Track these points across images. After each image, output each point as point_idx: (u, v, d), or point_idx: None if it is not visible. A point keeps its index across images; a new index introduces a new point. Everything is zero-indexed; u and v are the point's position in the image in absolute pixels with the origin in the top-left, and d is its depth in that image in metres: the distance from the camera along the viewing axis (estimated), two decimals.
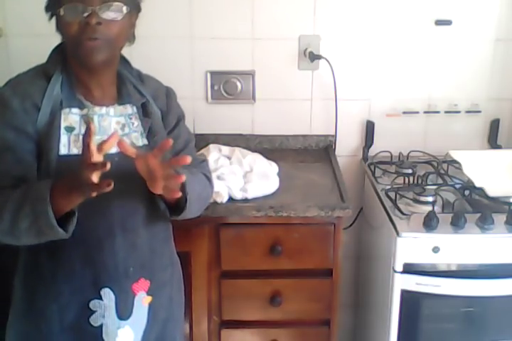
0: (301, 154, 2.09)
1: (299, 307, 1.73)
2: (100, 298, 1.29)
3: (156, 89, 1.43)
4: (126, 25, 1.28)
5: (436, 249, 1.60)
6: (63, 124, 1.27)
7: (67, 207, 1.17)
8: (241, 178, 1.73)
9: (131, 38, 1.35)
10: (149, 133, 1.36)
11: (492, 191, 1.76)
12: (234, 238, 1.68)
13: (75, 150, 1.26)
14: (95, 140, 1.16)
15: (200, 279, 1.71)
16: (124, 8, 1.25)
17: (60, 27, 1.27)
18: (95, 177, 1.08)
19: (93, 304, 1.29)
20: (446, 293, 1.63)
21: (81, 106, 1.30)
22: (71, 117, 1.28)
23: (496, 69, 2.08)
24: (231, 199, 1.67)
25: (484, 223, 1.62)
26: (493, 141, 2.13)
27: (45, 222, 1.14)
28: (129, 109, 1.35)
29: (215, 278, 1.72)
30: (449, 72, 2.08)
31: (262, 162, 1.85)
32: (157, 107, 1.40)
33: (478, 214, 1.65)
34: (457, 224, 1.62)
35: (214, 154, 1.84)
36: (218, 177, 1.70)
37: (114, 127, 1.32)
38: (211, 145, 1.92)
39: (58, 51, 1.33)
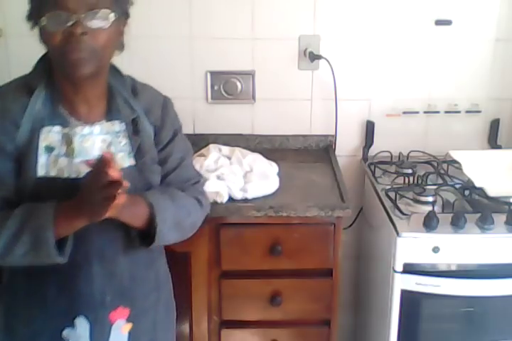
0: (301, 154, 2.09)
1: (299, 307, 1.73)
2: (74, 327, 1.24)
3: (150, 102, 1.33)
4: (113, 34, 1.20)
5: (436, 249, 1.60)
6: (43, 143, 1.20)
7: (68, 232, 1.15)
8: (241, 178, 1.73)
9: (120, 46, 1.27)
10: (138, 152, 1.27)
11: (492, 191, 1.76)
12: (234, 238, 1.68)
13: (54, 172, 1.20)
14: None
15: (200, 279, 1.71)
16: (111, 16, 1.16)
17: (43, 37, 1.17)
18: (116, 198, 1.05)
19: (66, 333, 1.25)
20: (446, 293, 1.63)
21: (64, 124, 1.22)
22: (52, 136, 1.21)
23: (496, 69, 2.08)
24: (231, 199, 1.67)
25: (484, 223, 1.62)
26: (493, 141, 2.13)
27: (46, 251, 1.12)
28: (117, 126, 1.26)
29: (215, 278, 1.72)
30: (449, 72, 2.08)
31: (262, 162, 1.85)
32: (150, 122, 1.31)
33: (478, 214, 1.65)
34: (457, 224, 1.62)
35: (214, 154, 1.84)
36: (218, 177, 1.70)
37: (100, 146, 1.24)
38: (211, 145, 1.92)
39: (43, 61, 1.25)
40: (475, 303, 1.66)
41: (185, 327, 1.76)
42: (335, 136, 2.10)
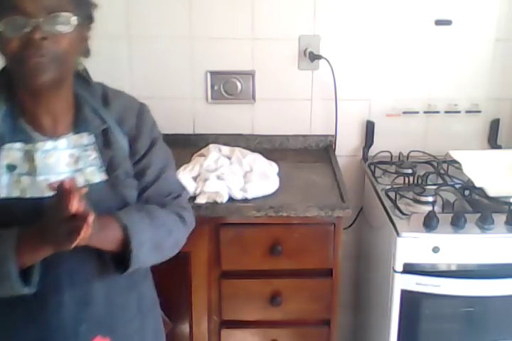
0: (301, 154, 2.09)
1: (299, 307, 1.73)
2: None
3: (123, 110, 1.24)
4: (76, 39, 1.11)
5: (436, 249, 1.60)
6: (4, 162, 1.12)
7: (33, 261, 1.06)
8: (241, 178, 1.73)
9: (84, 53, 1.19)
10: (109, 166, 1.18)
11: (492, 191, 1.76)
12: (234, 238, 1.68)
13: (17, 193, 1.11)
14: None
15: (200, 279, 1.71)
16: (74, 20, 1.08)
17: (0, 45, 1.08)
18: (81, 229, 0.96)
19: None
20: (446, 293, 1.63)
21: (26, 140, 1.13)
22: (13, 154, 1.12)
23: (496, 69, 2.08)
24: (231, 199, 1.67)
25: (484, 223, 1.62)
26: (493, 141, 2.13)
27: (9, 284, 1.04)
28: (86, 138, 1.17)
29: (215, 278, 1.72)
30: (449, 72, 2.08)
31: (262, 162, 1.85)
32: (124, 132, 1.22)
33: (478, 214, 1.65)
34: (457, 224, 1.62)
35: (214, 154, 1.84)
36: (218, 177, 1.70)
37: (67, 162, 1.15)
38: (211, 145, 1.92)
39: (2, 74, 1.16)
40: (475, 303, 1.66)
41: (185, 327, 1.76)
42: (335, 136, 2.10)
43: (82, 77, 1.22)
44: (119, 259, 1.14)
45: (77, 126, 1.18)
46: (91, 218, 0.97)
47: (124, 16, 1.98)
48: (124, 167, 1.20)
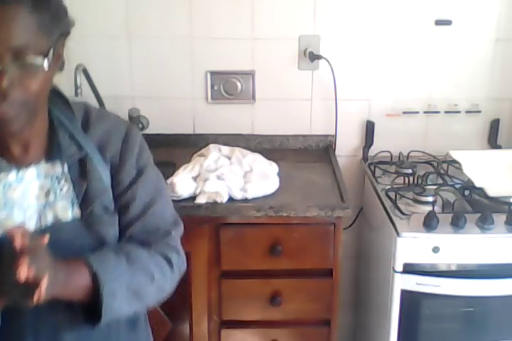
0: (301, 154, 2.09)
1: (299, 307, 1.73)
2: None
3: (107, 134, 1.08)
4: (51, 73, 0.96)
5: (436, 249, 1.60)
6: None
7: None
8: (241, 178, 1.73)
9: (59, 67, 1.02)
10: (84, 200, 1.04)
11: (492, 191, 1.76)
12: (234, 238, 1.68)
13: None
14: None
15: (200, 279, 1.71)
16: (45, 61, 0.91)
17: None
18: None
19: None
20: (446, 293, 1.63)
21: None
22: None
23: (496, 69, 2.08)
24: (231, 199, 1.67)
25: (484, 223, 1.62)
26: (493, 141, 2.13)
27: None
28: (58, 168, 1.04)
29: (215, 278, 1.72)
30: (449, 72, 2.07)
31: (262, 162, 1.85)
32: (106, 159, 1.07)
33: (478, 214, 1.65)
34: (457, 224, 1.62)
35: (214, 154, 1.84)
36: (218, 177, 1.70)
37: (35, 195, 1.02)
38: (211, 145, 1.92)
39: None
40: (475, 303, 1.66)
41: (185, 327, 1.76)
42: (335, 136, 2.10)
43: (60, 97, 1.07)
44: (91, 309, 0.98)
45: (50, 153, 1.04)
46: (44, 283, 0.84)
47: (124, 16, 1.98)
48: (102, 200, 1.05)
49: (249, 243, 1.68)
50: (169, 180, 1.68)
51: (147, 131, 2.06)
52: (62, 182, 1.04)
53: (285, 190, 1.74)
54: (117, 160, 1.08)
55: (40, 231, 0.99)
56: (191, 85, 2.07)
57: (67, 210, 1.03)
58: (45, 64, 0.92)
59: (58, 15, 0.95)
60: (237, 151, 1.88)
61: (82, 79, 1.82)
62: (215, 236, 1.68)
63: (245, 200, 1.67)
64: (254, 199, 1.68)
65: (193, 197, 1.65)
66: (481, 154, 1.99)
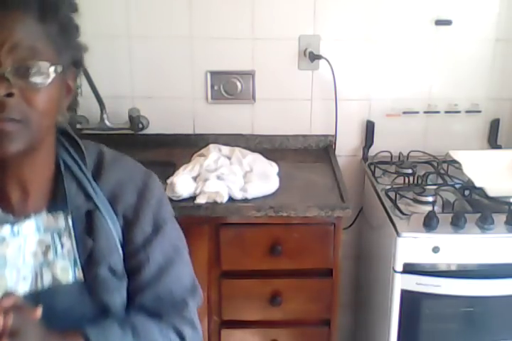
0: (301, 154, 2.09)
1: (299, 307, 1.73)
2: None
3: (121, 183, 0.96)
4: (56, 93, 0.86)
5: (436, 249, 1.60)
6: None
7: None
8: (241, 178, 1.73)
9: (71, 106, 0.93)
10: (88, 260, 0.91)
11: (492, 191, 1.76)
12: (234, 238, 1.68)
13: None
14: None
15: (200, 279, 1.69)
16: (52, 70, 0.83)
17: None
18: None
19: None
20: (446, 293, 1.63)
21: None
22: None
23: (496, 69, 2.08)
24: (231, 199, 1.67)
25: (484, 223, 1.62)
26: (493, 141, 2.13)
27: None
28: (62, 220, 0.91)
29: (215, 278, 1.72)
30: (449, 72, 2.07)
31: (262, 162, 1.85)
32: (118, 212, 0.95)
33: (478, 214, 1.65)
34: (457, 224, 1.62)
35: (214, 154, 1.84)
36: (218, 177, 1.70)
37: (32, 251, 0.90)
38: (211, 145, 1.92)
39: None
40: (475, 303, 1.66)
41: None
42: (335, 136, 2.10)
43: (70, 137, 0.97)
44: None
45: (54, 202, 0.92)
46: None
47: (124, 16, 1.98)
48: (109, 262, 0.92)
49: (249, 243, 1.68)
50: (169, 180, 1.68)
51: (147, 131, 2.07)
52: (65, 238, 0.91)
53: (285, 190, 1.74)
54: (131, 214, 0.95)
55: (35, 295, 0.88)
56: (191, 85, 2.07)
57: (67, 271, 0.91)
58: (52, 75, 0.83)
59: (67, 29, 0.88)
60: (237, 151, 1.88)
61: (82, 79, 1.82)
62: (215, 236, 1.67)
63: (245, 200, 1.67)
64: (254, 199, 1.68)
65: (193, 197, 1.65)
66: (481, 154, 1.99)
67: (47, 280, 0.90)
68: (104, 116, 2.01)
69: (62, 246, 0.91)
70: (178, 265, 0.99)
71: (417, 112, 2.11)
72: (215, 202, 1.64)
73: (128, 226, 0.95)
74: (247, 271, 1.72)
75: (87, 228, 0.92)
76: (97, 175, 0.95)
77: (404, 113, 2.11)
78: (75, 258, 0.91)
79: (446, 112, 2.11)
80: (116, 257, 0.93)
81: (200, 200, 1.63)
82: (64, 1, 0.88)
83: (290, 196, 1.71)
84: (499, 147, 2.13)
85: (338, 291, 1.73)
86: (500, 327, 1.70)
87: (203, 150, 1.90)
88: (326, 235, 1.68)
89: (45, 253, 0.91)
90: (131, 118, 2.01)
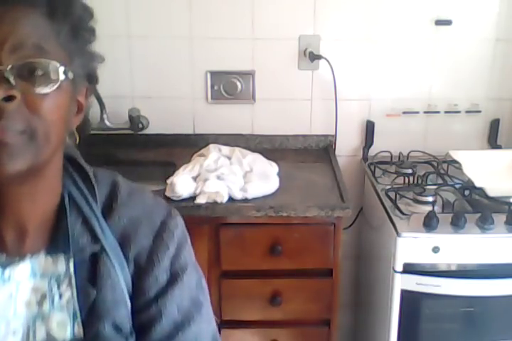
0: (301, 154, 2.09)
1: (299, 307, 1.73)
2: None
3: (135, 222, 0.81)
4: (65, 103, 0.73)
5: (436, 249, 1.60)
6: None
7: None
8: (241, 178, 1.73)
9: (82, 127, 0.79)
10: (90, 314, 0.76)
11: (492, 191, 1.76)
12: (234, 238, 1.68)
13: None
14: None
15: None
16: (61, 71, 0.70)
17: None
18: None
19: None
20: (446, 293, 1.63)
21: None
22: None
23: (496, 69, 2.08)
24: (231, 199, 1.66)
25: (484, 223, 1.62)
26: (493, 141, 2.13)
27: None
28: (62, 265, 0.77)
29: (215, 278, 1.72)
30: (449, 72, 2.08)
31: (262, 162, 1.85)
32: (128, 258, 0.80)
33: (478, 214, 1.65)
34: (457, 224, 1.62)
35: (214, 154, 1.84)
36: (218, 177, 1.70)
37: (25, 300, 0.76)
38: (211, 145, 1.92)
39: None
40: (475, 303, 1.66)
41: None
42: (335, 136, 2.10)
43: (77, 165, 0.82)
44: None
45: (55, 243, 0.78)
46: None
47: (124, 16, 1.98)
48: (114, 316, 0.77)
49: (249, 243, 1.68)
50: (169, 180, 1.68)
51: (147, 131, 2.07)
52: (64, 286, 0.77)
53: (285, 190, 1.74)
54: (144, 260, 0.80)
55: None
56: (191, 85, 2.07)
57: (65, 326, 0.76)
58: (61, 78, 0.70)
59: (80, 32, 0.78)
60: (237, 151, 1.88)
61: None
62: (215, 236, 1.67)
63: (245, 200, 1.67)
64: (254, 199, 1.68)
65: (193, 197, 1.65)
66: (481, 154, 1.98)
67: (40, 335, 0.76)
68: (104, 116, 2.01)
69: (60, 295, 0.76)
70: (197, 322, 0.84)
71: (417, 112, 2.11)
72: (215, 202, 1.64)
73: (139, 274, 0.80)
74: (247, 271, 1.72)
75: (90, 275, 0.77)
76: (107, 211, 0.81)
77: (404, 113, 2.11)
78: (75, 310, 0.76)
79: (446, 112, 2.11)
80: (122, 311, 0.78)
81: (200, 200, 1.63)
82: (77, 0, 0.78)
83: (290, 196, 1.71)
84: (499, 147, 2.13)
85: (338, 291, 1.73)
86: (500, 327, 1.70)
87: (203, 150, 1.90)
88: (326, 235, 1.68)
89: (40, 303, 0.76)
90: (131, 118, 2.01)
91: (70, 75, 0.73)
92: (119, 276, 0.78)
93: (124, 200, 0.82)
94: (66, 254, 0.77)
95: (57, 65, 0.70)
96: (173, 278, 0.82)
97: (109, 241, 0.79)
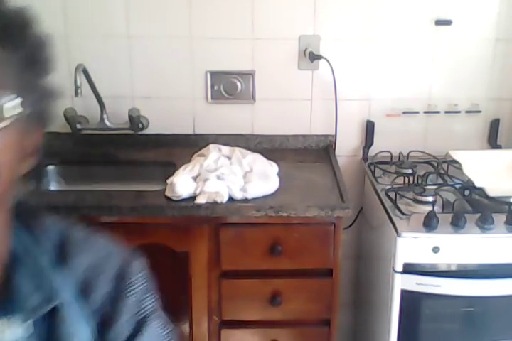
0: (301, 154, 2.09)
1: (299, 307, 1.73)
2: None
3: (92, 270, 0.74)
4: (15, 143, 0.62)
5: (436, 249, 1.60)
6: None
7: None
8: (241, 178, 1.73)
9: (29, 176, 0.68)
10: None
11: (492, 191, 1.76)
12: (234, 238, 1.68)
13: None
14: None
15: (200, 279, 1.71)
16: (12, 104, 0.61)
17: None
18: None
19: None
20: (446, 293, 1.63)
21: None
22: None
23: (496, 69, 2.08)
24: (231, 199, 1.67)
25: (484, 223, 1.62)
26: (493, 141, 2.13)
27: None
28: (14, 329, 0.67)
29: (215, 278, 1.72)
30: (449, 72, 2.08)
31: (262, 162, 1.85)
32: (90, 309, 0.73)
33: (478, 214, 1.65)
34: (457, 224, 1.62)
35: (214, 154, 1.84)
36: (218, 177, 1.70)
37: None
38: (211, 145, 1.92)
39: None
40: (475, 303, 1.66)
41: (185, 327, 1.76)
42: (335, 136, 2.10)
43: (27, 210, 0.73)
44: None
45: (7, 302, 0.67)
46: None
47: (124, 16, 1.98)
48: None
49: (249, 243, 1.68)
50: (169, 180, 1.68)
51: (147, 131, 2.07)
52: None
53: (285, 190, 1.74)
54: (107, 310, 0.73)
55: None
56: (191, 85, 2.07)
57: None
58: (11, 112, 0.60)
59: (35, 62, 0.67)
60: (237, 151, 1.88)
61: (82, 79, 1.82)
62: (215, 236, 1.67)
63: (245, 200, 1.67)
64: (254, 199, 1.68)
65: (193, 197, 1.65)
66: (481, 154, 1.99)
67: None
68: (104, 116, 2.02)
69: None
70: None
71: (417, 112, 2.11)
72: (215, 202, 1.64)
73: (104, 325, 0.73)
74: (247, 271, 1.72)
75: (49, 333, 0.68)
76: (60, 262, 0.72)
77: (404, 113, 2.11)
78: None
79: (446, 112, 2.11)
80: None
81: (200, 200, 1.63)
82: (32, 25, 0.66)
83: (290, 196, 1.71)
84: (499, 147, 2.13)
85: (338, 291, 1.73)
86: (500, 327, 1.70)
87: (203, 150, 1.90)
88: (326, 235, 1.68)
89: None
90: (131, 118, 2.01)
91: (21, 112, 0.62)
92: (83, 331, 0.71)
93: (77, 248, 0.74)
94: (20, 315, 0.67)
95: (9, 95, 0.61)
96: (139, 326, 0.75)
97: (67, 295, 0.71)
